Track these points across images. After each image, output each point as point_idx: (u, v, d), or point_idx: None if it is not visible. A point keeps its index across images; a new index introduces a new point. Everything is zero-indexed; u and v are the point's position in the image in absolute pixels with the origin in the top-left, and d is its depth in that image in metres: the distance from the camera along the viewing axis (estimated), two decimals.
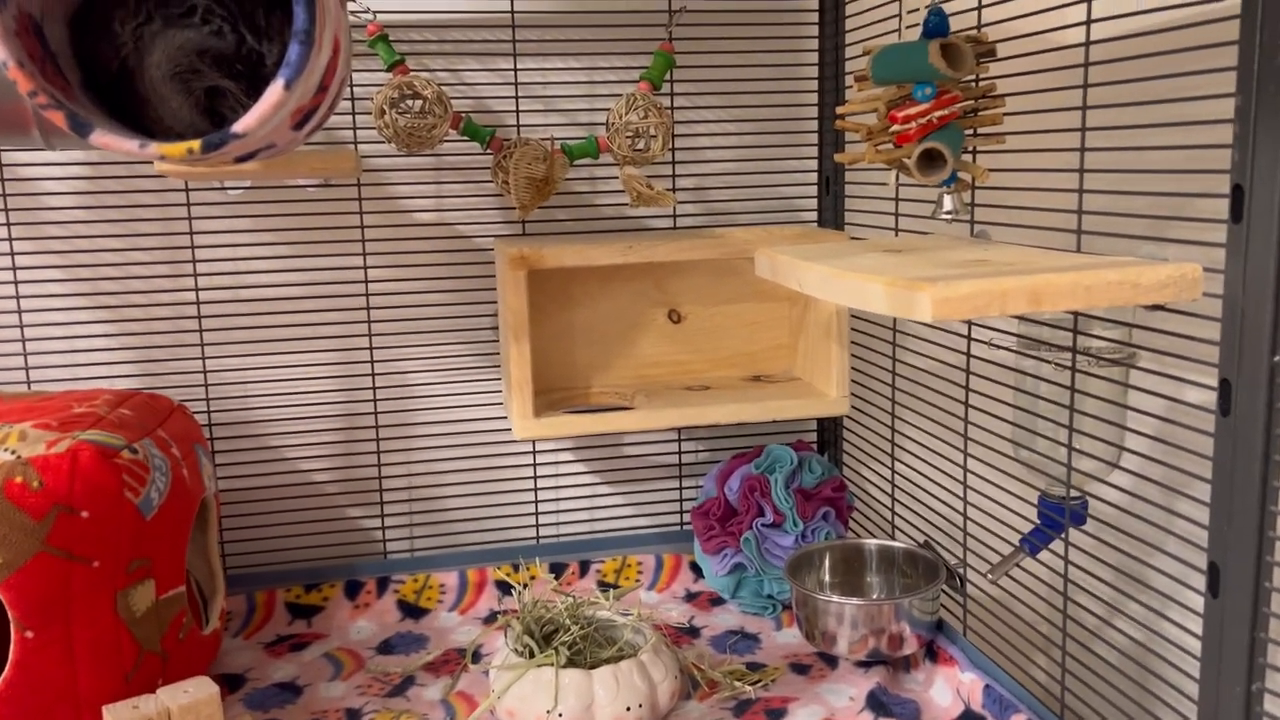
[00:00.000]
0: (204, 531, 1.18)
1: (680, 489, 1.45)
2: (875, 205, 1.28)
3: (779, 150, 1.39)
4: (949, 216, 0.96)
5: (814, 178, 1.38)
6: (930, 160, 0.91)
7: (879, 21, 1.20)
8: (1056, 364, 0.91)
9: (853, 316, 1.29)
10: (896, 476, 1.25)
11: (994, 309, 0.70)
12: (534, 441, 1.38)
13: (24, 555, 0.89)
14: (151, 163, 1.18)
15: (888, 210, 1.24)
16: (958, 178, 0.94)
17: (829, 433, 1.41)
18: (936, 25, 0.89)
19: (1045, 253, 0.87)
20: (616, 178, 1.36)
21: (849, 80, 1.30)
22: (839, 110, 1.07)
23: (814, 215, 1.39)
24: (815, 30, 1.34)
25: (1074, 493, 0.95)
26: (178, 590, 1.04)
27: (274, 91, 0.75)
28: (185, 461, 1.06)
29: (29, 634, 0.91)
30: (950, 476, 1.13)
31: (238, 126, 0.75)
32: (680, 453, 1.44)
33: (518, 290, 1.16)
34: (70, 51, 0.82)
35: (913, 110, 0.91)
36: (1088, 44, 0.84)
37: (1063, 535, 0.93)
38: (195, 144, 0.75)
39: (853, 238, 1.24)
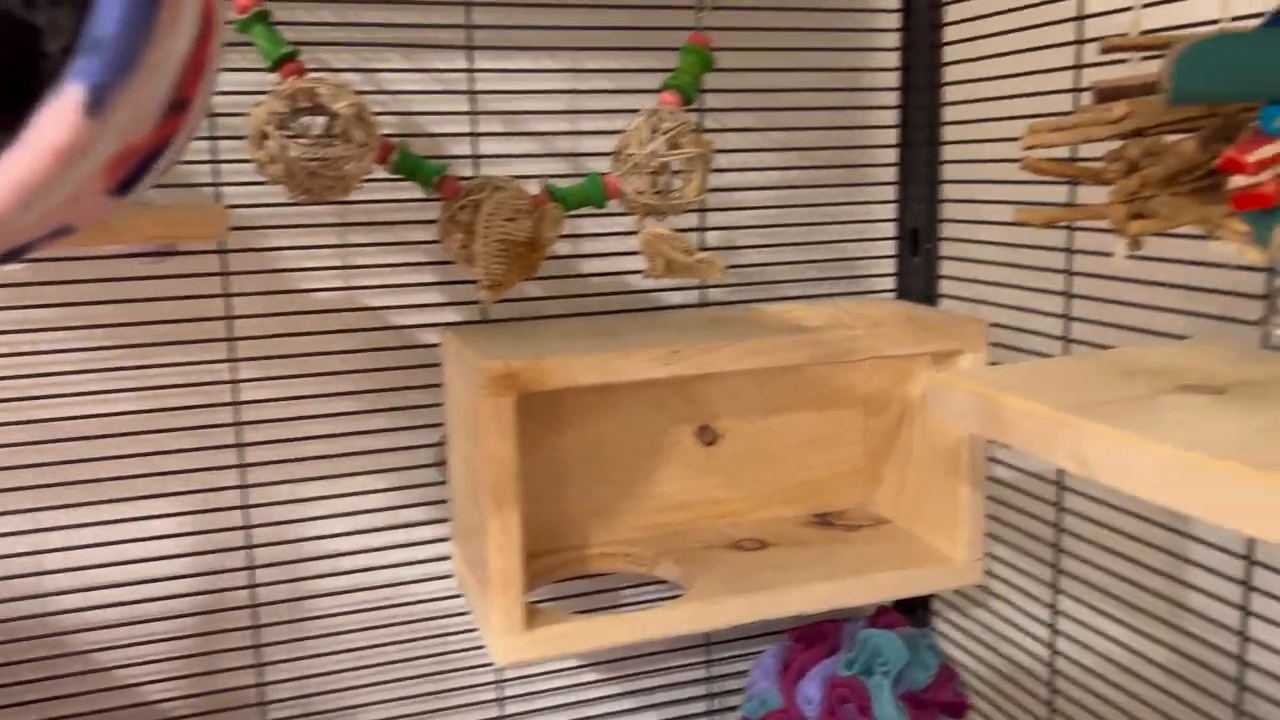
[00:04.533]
0: None
1: (708, 680, 1.01)
2: (974, 271, 0.89)
3: (841, 191, 0.97)
4: None
5: (891, 230, 0.97)
6: None
7: (1004, 11, 0.81)
8: None
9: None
10: (1057, 675, 0.85)
11: None
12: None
13: None
14: None
15: (1002, 279, 0.84)
16: None
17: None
18: None
19: None
20: (614, 231, 0.92)
21: (950, 93, 0.90)
22: (1026, 142, 0.66)
23: (890, 283, 0.98)
24: (897, 19, 0.93)
25: None
26: None
27: (60, 118, 0.29)
28: None
29: None
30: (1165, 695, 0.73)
31: None
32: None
33: (501, 427, 0.71)
34: None
35: (1268, 152, 0.51)
36: None
37: None
38: None
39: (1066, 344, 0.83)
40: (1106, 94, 0.61)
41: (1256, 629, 0.68)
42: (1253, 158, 0.51)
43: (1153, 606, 0.77)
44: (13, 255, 0.36)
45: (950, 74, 0.91)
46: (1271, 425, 0.48)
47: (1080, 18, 0.75)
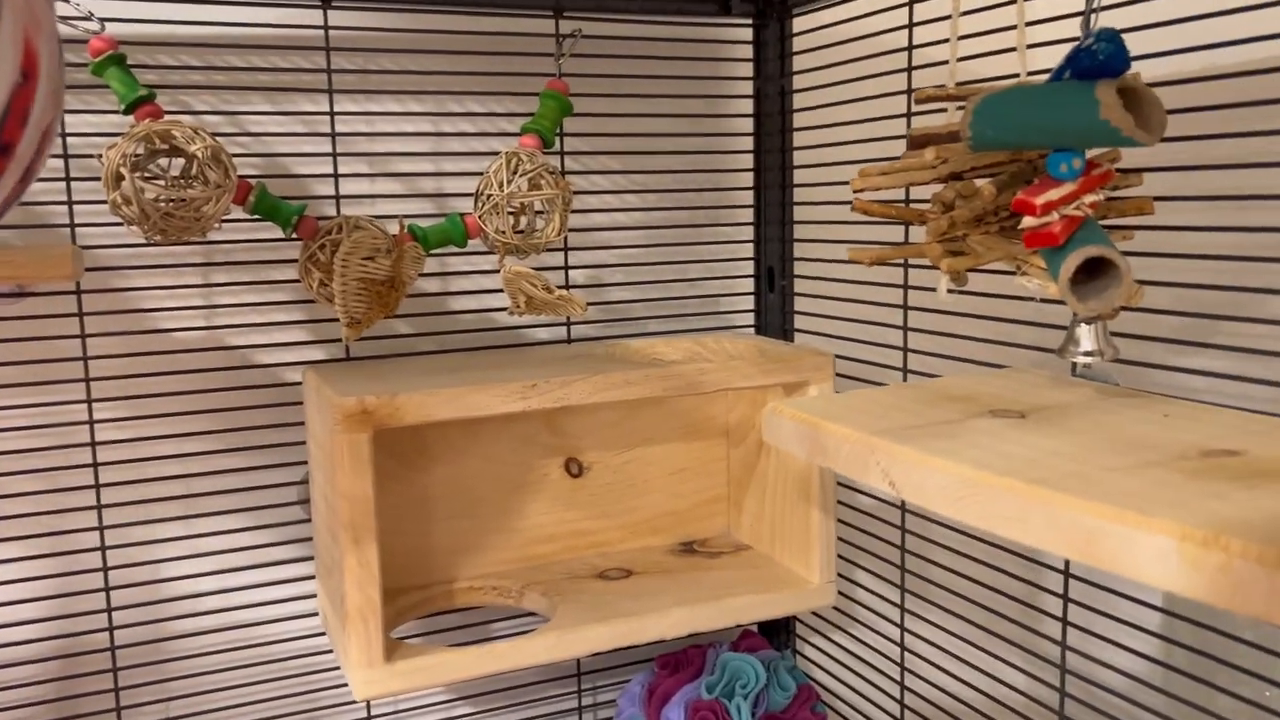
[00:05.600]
0: None
1: (579, 710, 1.03)
2: (830, 308, 0.93)
3: (702, 231, 1.01)
4: (1087, 360, 0.61)
5: (749, 268, 1.02)
6: (1090, 276, 0.56)
7: (845, 62, 0.86)
8: None
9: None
10: (908, 694, 0.89)
11: None
12: None
13: None
14: None
15: (854, 315, 0.89)
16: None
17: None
18: (1110, 58, 0.53)
19: (1272, 423, 0.53)
20: (479, 269, 0.94)
21: (800, 138, 0.95)
22: (855, 186, 0.71)
23: (749, 319, 1.02)
24: (749, 67, 0.98)
25: None
26: None
27: None
28: None
29: None
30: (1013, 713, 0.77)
31: None
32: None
33: (357, 463, 0.72)
34: None
35: (1054, 195, 0.56)
36: None
37: None
38: None
39: (843, 361, 0.88)
40: (917, 141, 0.65)
41: (1074, 639, 0.72)
42: (1040, 200, 0.56)
43: (984, 620, 0.81)
44: None
45: (799, 120, 0.96)
46: (1059, 446, 0.52)
47: (910, 69, 0.80)
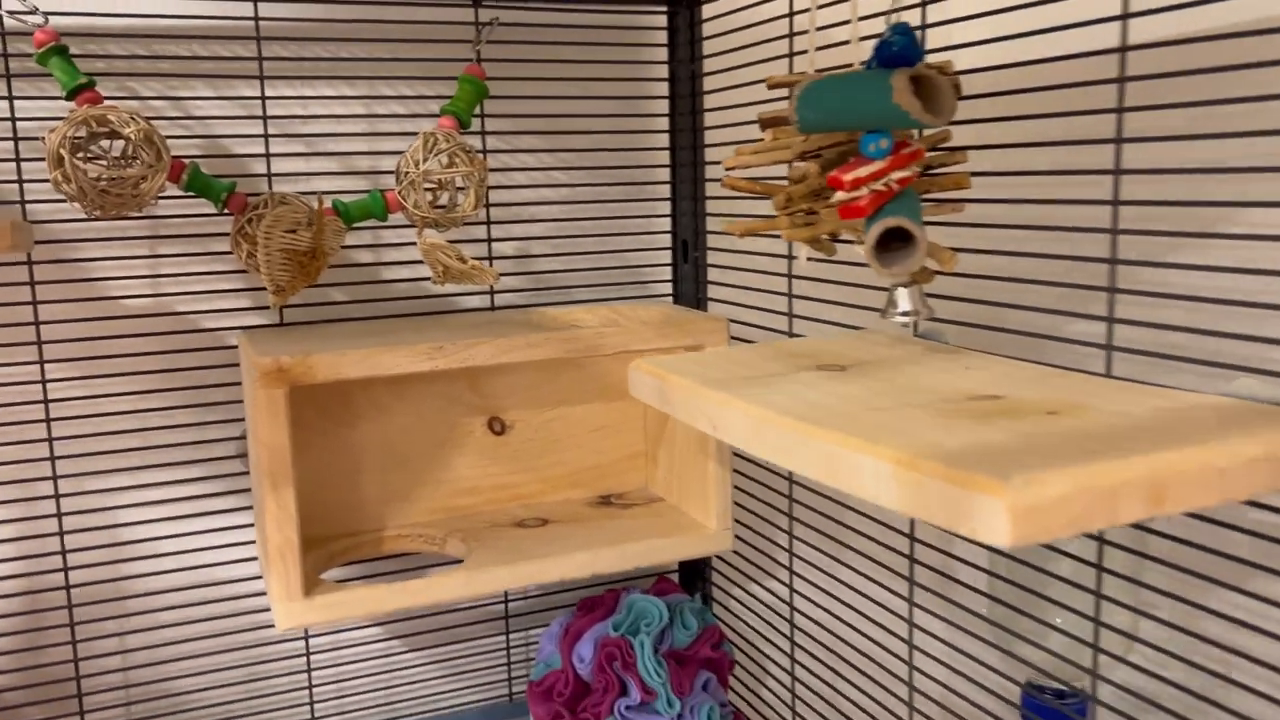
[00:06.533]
0: None
1: (508, 649, 1.11)
2: (746, 279, 1.00)
3: (622, 207, 1.08)
4: (905, 319, 0.68)
5: (667, 240, 1.09)
6: (888, 243, 0.63)
7: (752, 45, 0.92)
8: None
9: None
10: (797, 631, 0.97)
11: (1100, 518, 0.42)
12: None
13: None
14: None
15: (766, 287, 0.95)
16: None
17: (696, 562, 1.12)
18: (903, 49, 0.60)
19: (1067, 377, 0.60)
20: (411, 244, 1.01)
21: (710, 118, 1.02)
22: (727, 164, 0.77)
23: (668, 288, 1.09)
24: (664, 53, 1.05)
25: (1070, 688, 0.70)
26: None
27: None
28: None
29: None
30: (882, 645, 0.85)
31: None
32: (507, 601, 1.11)
33: (274, 417, 0.80)
34: None
35: (863, 171, 0.63)
36: (1123, 69, 0.58)
37: None
38: None
39: (730, 322, 0.95)
40: (766, 123, 0.72)
41: (919, 554, 0.79)
42: (849, 176, 0.63)
43: (864, 567, 0.88)
44: None
45: (709, 101, 1.03)
46: (853, 393, 0.59)
47: (791, 55, 0.87)
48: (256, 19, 0.91)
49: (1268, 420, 0.48)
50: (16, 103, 0.88)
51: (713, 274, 1.06)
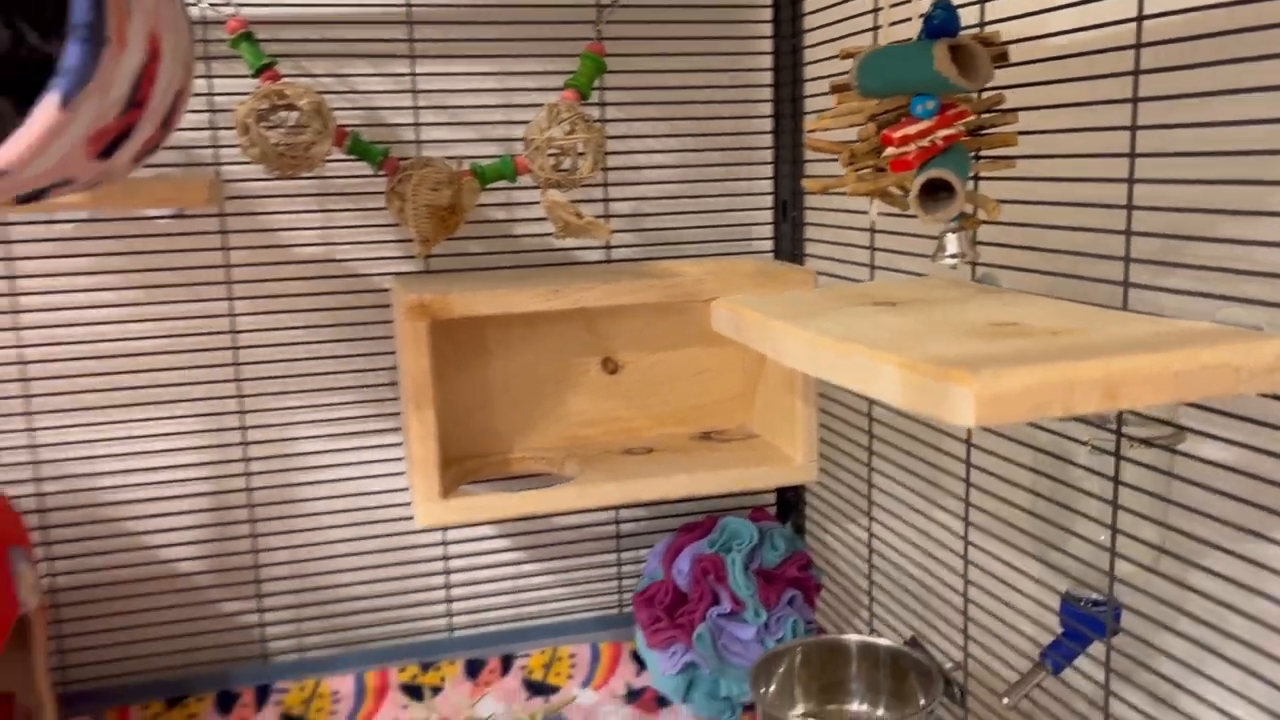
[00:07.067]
0: (27, 650, 0.94)
1: (619, 565, 1.24)
2: (841, 235, 1.09)
3: (728, 170, 1.19)
4: (953, 261, 0.77)
5: (769, 201, 1.19)
6: (934, 193, 0.72)
7: (847, 19, 1.01)
8: (1093, 447, 0.73)
9: None
10: (875, 555, 1.06)
11: (1057, 407, 0.51)
12: None
13: None
14: None
15: (858, 242, 1.05)
16: (964, 213, 0.75)
17: (790, 497, 1.22)
18: (944, 22, 0.69)
19: (1087, 310, 0.68)
20: (538, 203, 1.15)
21: (810, 88, 1.11)
22: (809, 127, 0.87)
23: (769, 245, 1.20)
24: (769, 29, 1.15)
25: (1103, 596, 0.77)
26: None
27: (45, 111, 0.53)
28: None
29: None
30: (944, 564, 0.94)
31: None
32: (618, 522, 1.24)
33: (418, 347, 0.94)
34: None
35: (911, 130, 0.72)
36: (1138, 44, 0.65)
37: (1105, 639, 0.75)
38: None
39: (820, 274, 1.04)
40: (835, 89, 0.81)
41: (975, 482, 0.88)
42: (899, 134, 0.72)
43: (938, 499, 0.97)
44: (34, 197, 0.61)
45: (809, 72, 1.12)
46: (896, 324, 0.69)
47: (874, 29, 0.96)
48: (409, 4, 1.06)
49: (1235, 337, 0.56)
50: (213, 81, 1.05)
51: (810, 232, 1.15)
